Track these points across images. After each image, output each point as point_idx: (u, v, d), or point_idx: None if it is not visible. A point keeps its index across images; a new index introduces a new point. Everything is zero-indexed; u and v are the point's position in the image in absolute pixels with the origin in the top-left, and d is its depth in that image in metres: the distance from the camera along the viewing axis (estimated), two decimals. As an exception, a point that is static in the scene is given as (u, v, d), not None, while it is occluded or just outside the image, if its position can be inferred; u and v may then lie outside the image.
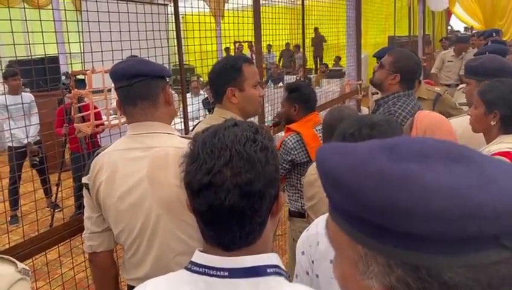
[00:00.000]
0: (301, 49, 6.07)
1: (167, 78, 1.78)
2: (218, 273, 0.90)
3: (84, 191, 1.68)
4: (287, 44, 11.04)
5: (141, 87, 1.61)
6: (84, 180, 1.67)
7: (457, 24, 18.60)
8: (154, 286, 0.99)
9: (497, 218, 0.46)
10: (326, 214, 1.47)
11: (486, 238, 0.47)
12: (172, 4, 3.21)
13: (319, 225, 1.42)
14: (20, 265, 1.18)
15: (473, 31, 13.15)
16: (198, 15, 3.80)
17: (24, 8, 2.75)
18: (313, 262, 1.39)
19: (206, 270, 0.91)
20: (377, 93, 4.16)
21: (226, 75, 2.07)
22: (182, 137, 1.69)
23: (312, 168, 2.22)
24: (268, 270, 0.91)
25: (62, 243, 2.38)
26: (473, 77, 2.62)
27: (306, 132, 2.82)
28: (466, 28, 17.10)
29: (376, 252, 0.53)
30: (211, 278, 0.90)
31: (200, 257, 0.94)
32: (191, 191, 0.93)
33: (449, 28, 18.04)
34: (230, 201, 0.88)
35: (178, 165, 1.51)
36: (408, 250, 0.50)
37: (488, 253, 0.47)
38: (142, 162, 1.57)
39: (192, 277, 0.92)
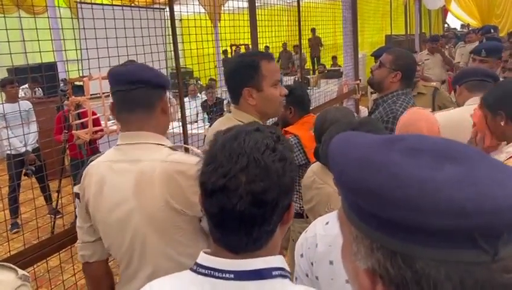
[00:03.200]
0: (300, 50, 6.08)
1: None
2: (224, 275, 0.90)
3: (76, 201, 1.65)
4: (284, 44, 11.07)
5: (139, 95, 1.55)
6: (75, 189, 1.64)
7: (453, 22, 18.60)
8: (160, 287, 0.99)
9: (467, 217, 0.46)
10: (324, 216, 1.49)
11: (462, 237, 0.47)
12: (168, 8, 3.22)
13: (317, 227, 1.42)
14: (21, 272, 1.20)
15: (470, 28, 13.17)
16: (194, 19, 3.81)
17: (20, 17, 2.76)
18: (312, 264, 1.39)
19: (212, 272, 0.91)
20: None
21: (242, 74, 1.89)
22: (172, 148, 1.61)
23: (309, 172, 2.22)
24: (273, 273, 0.92)
25: (63, 250, 2.39)
26: (454, 85, 2.89)
27: (303, 134, 2.82)
28: (463, 25, 17.11)
29: (363, 234, 0.55)
30: (216, 280, 0.90)
31: (206, 259, 0.94)
32: (204, 192, 0.93)
33: (446, 25, 18.05)
34: (241, 207, 0.88)
35: (166, 181, 1.47)
36: (387, 235, 0.51)
37: (463, 252, 0.48)
38: (129, 177, 1.51)
39: (198, 279, 0.92)
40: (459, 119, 2.33)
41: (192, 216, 1.51)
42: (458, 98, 2.81)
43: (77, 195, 1.63)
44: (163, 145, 1.58)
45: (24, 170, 4.98)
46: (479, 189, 0.47)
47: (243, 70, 1.89)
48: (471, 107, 2.41)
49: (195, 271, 0.94)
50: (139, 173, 1.50)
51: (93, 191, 1.57)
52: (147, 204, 1.49)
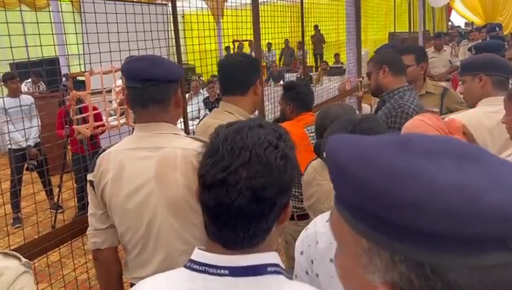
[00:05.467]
0: (304, 47, 6.07)
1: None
2: (218, 271, 0.89)
3: (89, 188, 1.69)
4: (287, 41, 11.04)
5: (154, 92, 1.60)
6: (89, 177, 1.68)
7: (457, 19, 18.53)
8: (153, 284, 0.98)
9: (504, 221, 0.46)
10: (325, 213, 1.48)
11: (492, 240, 0.46)
12: (170, 4, 3.20)
13: (317, 224, 1.42)
14: (24, 259, 1.25)
15: (473, 26, 13.12)
16: (197, 14, 3.79)
17: (21, 10, 2.75)
18: (312, 262, 1.39)
19: (206, 268, 0.90)
20: None
21: (255, 68, 2.19)
22: (189, 137, 1.70)
23: (309, 168, 2.21)
24: (268, 269, 0.90)
25: (64, 245, 2.39)
26: (467, 72, 2.51)
27: (294, 131, 2.79)
28: (467, 24, 17.04)
29: (380, 247, 0.52)
30: (210, 277, 0.89)
31: (199, 255, 0.92)
32: (202, 184, 0.92)
33: (449, 23, 17.98)
34: (240, 202, 0.87)
35: (186, 166, 1.55)
36: (413, 246, 0.49)
37: (493, 255, 0.47)
38: (150, 162, 1.58)
39: (192, 275, 0.91)
40: (477, 124, 2.19)
41: None
42: (476, 89, 2.42)
43: (91, 182, 1.67)
44: (180, 134, 1.67)
45: (26, 165, 4.98)
46: (509, 191, 0.47)
47: (255, 65, 2.22)
48: (488, 109, 2.27)
49: (189, 268, 0.92)
50: (161, 158, 1.58)
51: (111, 177, 1.61)
52: (168, 186, 1.56)
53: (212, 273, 0.89)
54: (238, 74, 2.14)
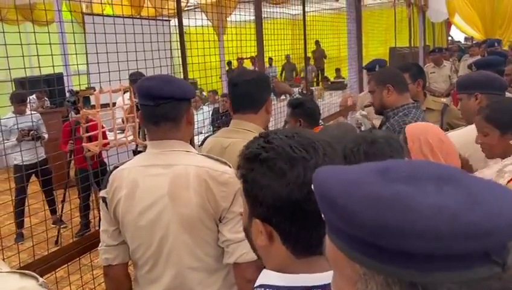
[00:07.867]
0: (308, 62, 6.10)
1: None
2: None
3: (102, 205, 1.70)
4: (288, 56, 11.12)
5: (166, 109, 1.61)
6: (102, 193, 1.70)
7: (457, 34, 18.64)
8: None
9: (487, 236, 0.49)
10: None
11: (477, 256, 0.50)
12: (176, 19, 3.25)
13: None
14: (40, 279, 1.25)
15: (473, 41, 13.22)
16: (202, 32, 3.84)
17: (28, 32, 2.80)
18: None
19: None
20: (370, 105, 4.17)
21: (267, 85, 2.16)
22: (201, 155, 1.71)
23: None
24: None
25: (71, 262, 2.40)
26: (463, 90, 2.63)
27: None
28: (466, 38, 17.16)
29: (374, 271, 0.55)
30: None
31: (301, 279, 0.86)
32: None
33: (449, 38, 18.10)
34: None
35: (199, 185, 1.57)
36: (404, 268, 0.52)
37: (480, 269, 0.50)
38: (163, 179, 1.59)
39: None
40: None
41: (215, 219, 1.62)
42: (473, 107, 2.47)
43: (103, 199, 1.68)
44: (192, 152, 1.68)
45: (31, 136, 4.93)
46: (487, 208, 0.50)
47: (267, 82, 2.17)
48: None
49: None
50: (175, 175, 1.59)
51: (124, 194, 1.62)
52: (181, 204, 1.58)
53: None
54: (251, 91, 2.09)
